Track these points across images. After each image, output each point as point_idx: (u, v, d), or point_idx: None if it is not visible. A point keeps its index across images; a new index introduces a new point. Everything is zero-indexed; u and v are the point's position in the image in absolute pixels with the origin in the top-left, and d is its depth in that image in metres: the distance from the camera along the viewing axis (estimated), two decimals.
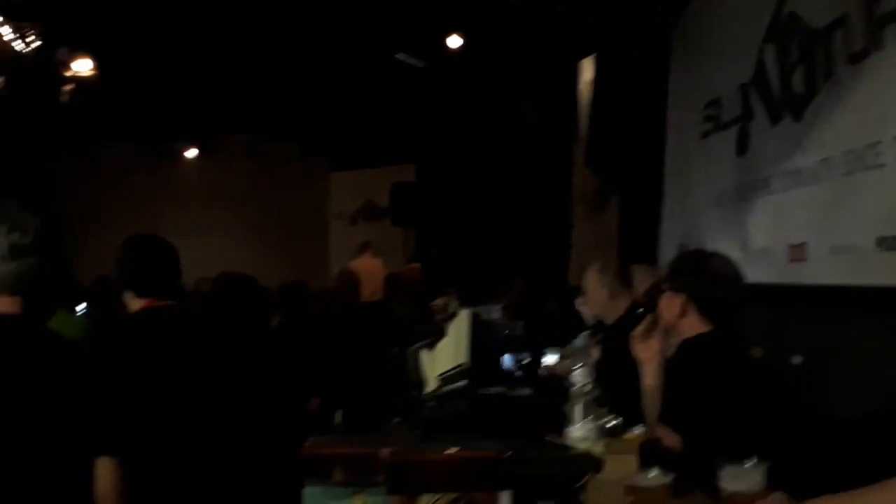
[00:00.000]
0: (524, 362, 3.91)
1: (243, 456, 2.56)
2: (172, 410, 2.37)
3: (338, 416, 4.32)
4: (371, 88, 10.89)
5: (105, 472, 1.72)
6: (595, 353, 3.34)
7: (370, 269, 10.27)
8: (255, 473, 2.55)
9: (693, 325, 2.53)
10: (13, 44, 8.12)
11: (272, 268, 10.52)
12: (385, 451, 1.42)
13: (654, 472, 1.88)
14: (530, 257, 9.01)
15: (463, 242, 10.75)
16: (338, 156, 13.56)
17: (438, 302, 7.42)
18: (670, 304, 2.57)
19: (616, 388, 2.55)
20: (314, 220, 13.90)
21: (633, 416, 2.51)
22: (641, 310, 2.70)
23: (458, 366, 2.51)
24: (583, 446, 2.22)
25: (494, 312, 6.12)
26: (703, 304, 2.53)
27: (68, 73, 9.70)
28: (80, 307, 4.48)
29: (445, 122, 10.83)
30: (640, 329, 2.62)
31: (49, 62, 9.01)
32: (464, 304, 6.15)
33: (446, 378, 2.52)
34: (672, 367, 2.55)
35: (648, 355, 2.63)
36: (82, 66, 9.79)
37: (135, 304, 2.68)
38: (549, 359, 4.12)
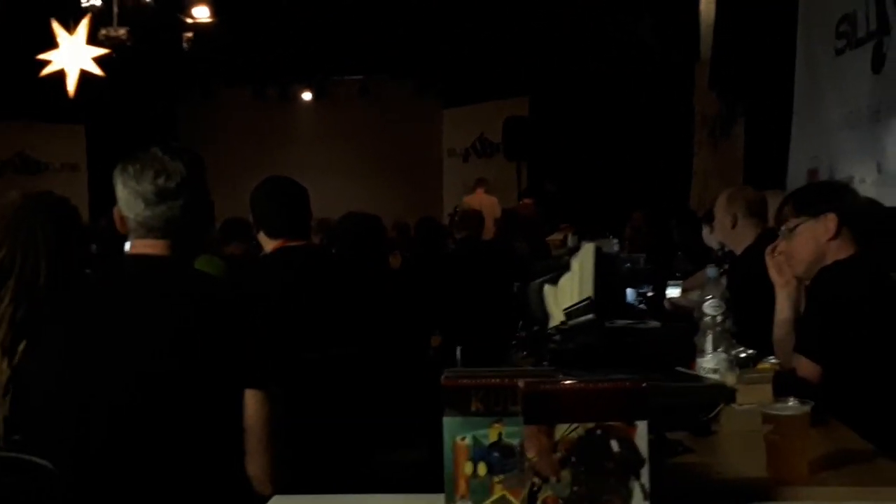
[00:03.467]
0: (648, 295, 3.87)
1: (378, 390, 2.64)
2: (313, 347, 2.46)
3: (458, 353, 4.39)
4: (482, 20, 10.76)
5: (253, 405, 1.79)
6: (722, 283, 3.27)
7: (484, 205, 10.30)
8: (391, 405, 2.64)
9: (838, 250, 2.43)
10: None
11: (386, 205, 10.67)
12: (522, 383, 1.43)
13: (791, 402, 1.84)
14: (648, 188, 8.82)
15: (577, 175, 10.60)
16: (450, 92, 13.52)
17: (555, 237, 7.39)
18: (816, 229, 2.46)
19: (745, 319, 2.50)
20: (427, 157, 13.97)
21: (762, 346, 2.46)
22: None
23: (584, 300, 2.51)
24: (714, 377, 2.20)
25: (613, 245, 6.04)
26: (856, 224, 2.43)
27: (188, 20, 10.00)
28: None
29: (560, 53, 10.61)
30: (772, 250, 2.56)
31: (169, 10, 9.30)
32: (581, 238, 6.10)
33: (571, 312, 2.52)
34: (810, 294, 2.47)
35: (782, 281, 2.57)
36: (201, 14, 10.07)
37: (269, 244, 2.79)
38: (672, 291, 4.06)
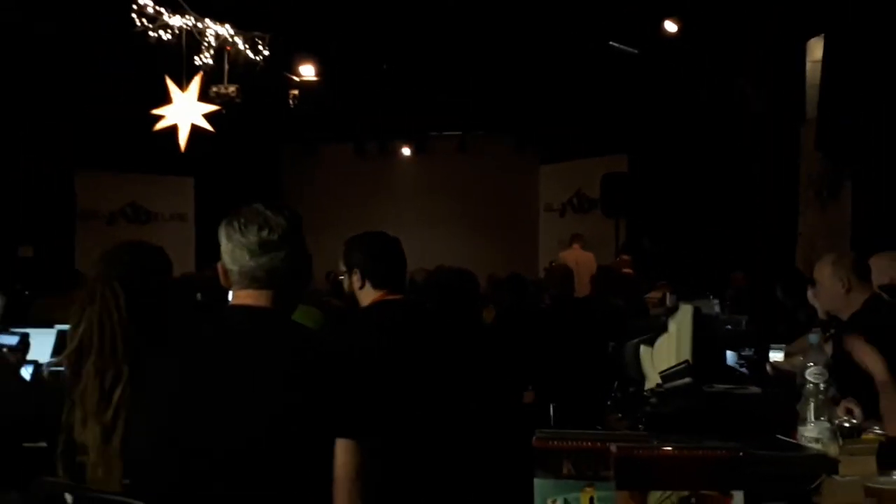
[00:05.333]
0: (749, 359, 3.76)
1: (472, 446, 2.64)
2: (410, 400, 2.49)
3: (551, 410, 4.35)
4: (583, 78, 10.84)
5: (343, 455, 1.81)
6: (828, 350, 3.16)
7: (580, 261, 10.23)
8: (484, 464, 2.63)
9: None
10: (246, 53, 8.82)
11: (483, 260, 10.74)
12: (615, 447, 1.43)
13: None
14: (751, 247, 8.61)
15: (677, 233, 10.45)
16: (548, 148, 13.59)
17: (653, 295, 7.27)
18: None
19: (850, 387, 2.42)
20: (524, 213, 14.01)
21: (868, 415, 2.37)
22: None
23: (681, 363, 2.47)
24: (816, 447, 2.12)
25: (713, 306, 5.91)
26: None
27: (295, 78, 10.42)
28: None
29: (660, 111, 10.56)
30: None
31: (277, 68, 9.70)
32: (679, 297, 5.99)
33: (668, 375, 2.48)
34: None
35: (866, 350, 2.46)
36: (307, 72, 10.47)
37: (369, 296, 2.82)
38: (775, 355, 3.94)
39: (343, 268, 2.88)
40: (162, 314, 2.38)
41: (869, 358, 2.47)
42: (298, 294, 2.09)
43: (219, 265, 2.01)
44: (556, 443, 1.51)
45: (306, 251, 2.04)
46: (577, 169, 13.12)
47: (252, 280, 1.95)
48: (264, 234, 1.94)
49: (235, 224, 1.96)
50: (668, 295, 6.66)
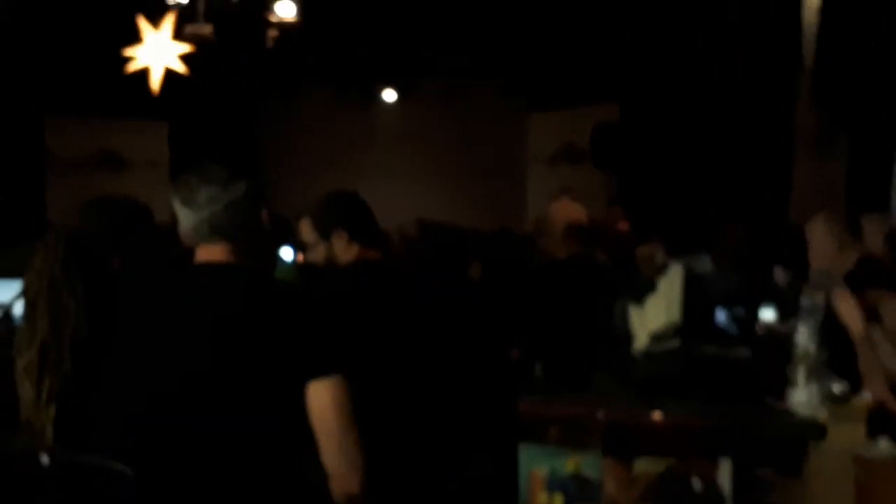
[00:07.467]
0: (740, 318, 3.72)
1: (454, 408, 2.62)
2: (391, 349, 2.46)
3: (538, 368, 4.29)
4: (573, 22, 10.64)
5: (319, 395, 1.81)
6: (818, 312, 3.14)
7: (570, 214, 10.16)
8: (469, 426, 2.61)
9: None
10: None
11: (469, 211, 10.64)
12: (602, 414, 1.41)
13: (883, 443, 1.76)
14: (744, 200, 8.55)
15: (669, 186, 10.37)
16: (538, 96, 13.37)
17: (644, 250, 7.22)
18: None
19: (842, 350, 2.40)
20: (512, 163, 13.83)
21: (860, 380, 2.36)
22: None
23: (670, 323, 2.45)
24: (806, 412, 2.11)
25: (705, 262, 5.86)
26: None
27: (273, 19, 10.09)
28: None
29: (652, 58, 10.40)
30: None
31: (255, 8, 9.40)
32: (670, 253, 5.94)
33: (658, 336, 2.46)
34: None
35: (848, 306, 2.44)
36: (286, 12, 10.13)
37: (350, 252, 2.68)
38: (767, 314, 3.91)
39: (314, 234, 2.73)
40: (129, 272, 2.32)
41: (850, 315, 2.45)
42: (257, 245, 2.04)
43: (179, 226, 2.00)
44: (542, 410, 1.49)
45: (256, 203, 2.01)
46: (567, 118, 12.94)
47: (208, 234, 1.95)
48: (206, 188, 1.94)
49: (180, 183, 1.98)
50: (658, 252, 6.61)
